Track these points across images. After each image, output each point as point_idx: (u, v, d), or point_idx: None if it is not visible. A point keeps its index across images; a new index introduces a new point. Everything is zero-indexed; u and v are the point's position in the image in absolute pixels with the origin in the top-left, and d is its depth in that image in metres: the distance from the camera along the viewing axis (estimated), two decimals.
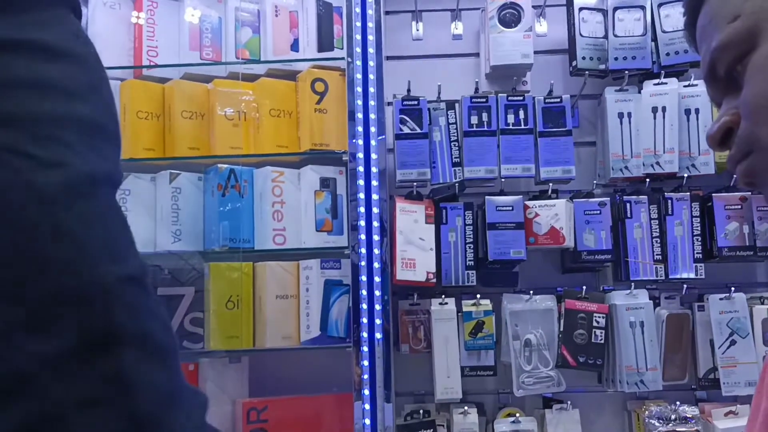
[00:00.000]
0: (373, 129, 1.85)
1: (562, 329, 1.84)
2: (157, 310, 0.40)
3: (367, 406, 1.78)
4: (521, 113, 1.90)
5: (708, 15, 0.61)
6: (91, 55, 0.41)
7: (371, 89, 1.86)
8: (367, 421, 1.78)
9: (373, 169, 1.84)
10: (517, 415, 1.85)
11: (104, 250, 0.38)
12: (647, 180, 1.88)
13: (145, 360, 0.38)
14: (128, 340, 0.38)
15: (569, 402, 1.86)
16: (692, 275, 1.85)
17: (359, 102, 1.86)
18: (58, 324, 0.36)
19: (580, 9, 1.91)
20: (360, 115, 1.86)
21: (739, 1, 0.58)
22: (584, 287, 1.86)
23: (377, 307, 1.81)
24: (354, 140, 1.84)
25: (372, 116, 1.85)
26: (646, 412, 1.84)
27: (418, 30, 2.10)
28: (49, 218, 0.37)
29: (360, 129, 1.86)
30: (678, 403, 1.82)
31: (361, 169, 1.84)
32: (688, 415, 1.80)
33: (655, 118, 1.88)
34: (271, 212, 1.89)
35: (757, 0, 0.57)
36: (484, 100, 1.90)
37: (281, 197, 1.90)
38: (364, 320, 1.81)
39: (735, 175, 0.62)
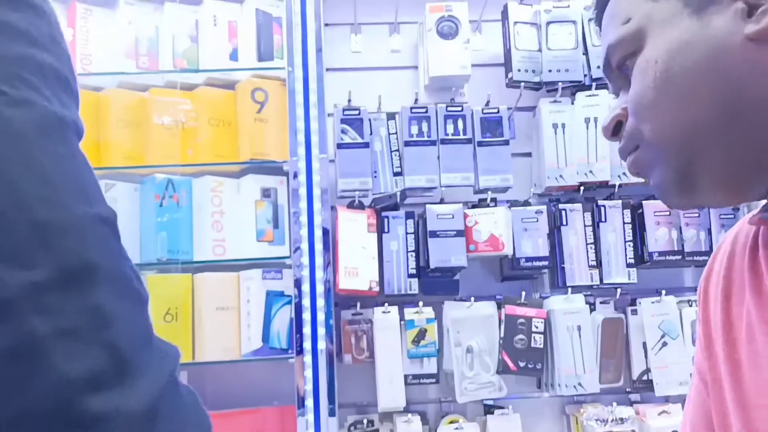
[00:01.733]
0: (314, 138, 1.85)
1: (502, 335, 1.87)
2: (129, 259, 0.40)
3: (311, 418, 1.77)
4: (460, 123, 1.93)
5: (609, 13, 0.66)
6: (50, 10, 0.41)
7: (312, 98, 1.86)
8: None
9: (315, 178, 1.84)
10: (460, 421, 1.86)
11: (77, 190, 0.38)
12: (581, 188, 1.93)
13: (122, 298, 0.38)
14: (105, 277, 0.37)
15: (510, 407, 1.89)
16: (625, 280, 1.91)
17: (300, 111, 1.86)
18: (35, 256, 0.35)
19: (515, 23, 1.97)
20: (301, 124, 1.86)
21: (633, 5, 0.62)
22: (523, 293, 1.90)
23: (320, 317, 1.80)
24: (295, 151, 1.84)
25: (313, 126, 1.85)
26: (584, 414, 1.88)
27: (357, 43, 2.11)
28: (22, 153, 0.36)
29: (301, 138, 1.85)
30: (614, 404, 1.87)
31: (302, 178, 1.84)
32: (623, 416, 1.85)
33: (587, 128, 1.94)
34: (211, 222, 1.86)
35: (646, 5, 0.61)
36: (423, 110, 1.93)
37: (221, 207, 1.88)
38: (307, 331, 1.80)
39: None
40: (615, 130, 0.65)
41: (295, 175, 1.86)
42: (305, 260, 1.82)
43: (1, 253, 0.35)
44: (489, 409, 1.94)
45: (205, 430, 0.42)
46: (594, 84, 1.96)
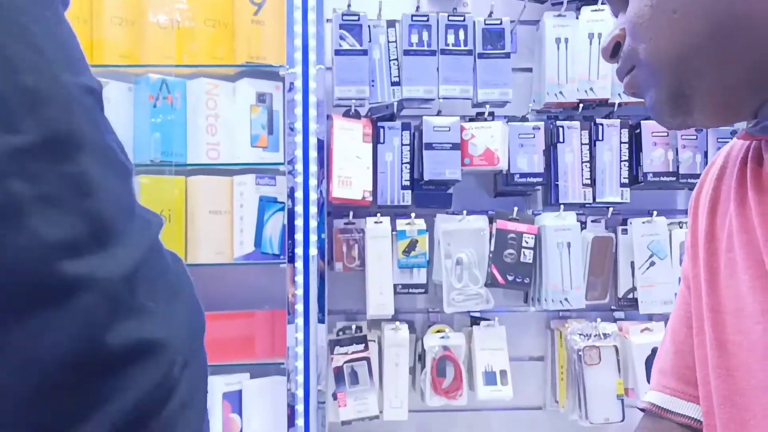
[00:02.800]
0: (312, 43, 1.82)
1: (492, 249, 1.88)
2: (113, 132, 0.40)
3: (300, 322, 1.80)
4: (461, 34, 1.89)
5: None
6: None
7: (311, 1, 1.81)
8: (299, 336, 1.80)
9: (312, 85, 1.81)
10: (446, 330, 1.90)
11: (63, 58, 0.37)
12: (580, 105, 1.91)
13: (106, 169, 0.38)
14: (90, 147, 0.37)
15: (496, 319, 1.92)
16: (618, 199, 1.91)
17: (298, 15, 1.81)
18: (19, 121, 0.35)
19: None
20: (299, 28, 1.81)
21: None
22: (515, 209, 1.90)
23: (313, 224, 1.81)
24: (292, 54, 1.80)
25: (311, 30, 1.81)
26: (569, 329, 1.92)
27: None
28: (10, 17, 0.36)
29: (298, 43, 1.81)
30: (598, 320, 1.91)
31: (299, 84, 1.81)
32: (607, 332, 1.90)
33: (591, 44, 1.90)
34: (205, 126, 1.84)
35: None
36: (425, 19, 1.88)
37: (215, 110, 1.85)
38: (299, 237, 1.81)
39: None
40: (614, 51, 0.65)
41: (291, 83, 1.83)
42: (299, 167, 1.82)
43: None
44: (475, 321, 1.98)
45: (188, 295, 0.42)
46: None
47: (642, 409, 0.75)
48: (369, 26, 1.89)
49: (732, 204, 0.66)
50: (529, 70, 2.03)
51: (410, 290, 1.91)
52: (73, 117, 0.37)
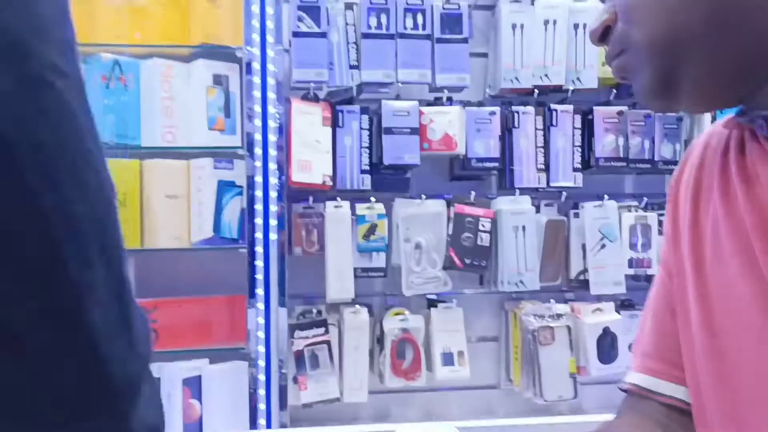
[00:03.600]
0: (270, 24, 1.79)
1: (450, 233, 1.91)
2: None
3: (261, 306, 1.79)
4: (419, 18, 1.90)
5: None
6: None
7: None
8: (261, 321, 1.79)
9: (270, 67, 1.79)
10: (406, 313, 1.93)
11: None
12: (535, 91, 1.95)
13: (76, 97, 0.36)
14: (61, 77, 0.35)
15: (455, 301, 1.96)
16: (571, 184, 1.97)
17: None
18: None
19: None
20: (256, 9, 1.79)
21: None
22: (473, 193, 1.93)
23: (273, 208, 1.80)
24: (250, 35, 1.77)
25: (269, 10, 1.78)
26: (523, 310, 1.97)
27: None
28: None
29: (256, 23, 1.79)
30: (552, 301, 1.96)
31: (257, 66, 1.78)
32: (560, 313, 1.95)
33: (546, 30, 1.94)
34: (160, 108, 1.80)
35: None
36: (383, 2, 1.88)
37: (170, 92, 1.81)
38: (259, 222, 1.80)
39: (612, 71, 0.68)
40: (603, 35, 0.66)
41: (248, 64, 1.81)
42: (258, 151, 1.80)
43: None
44: (432, 303, 2.00)
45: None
46: None
47: (624, 390, 0.78)
48: (327, 8, 1.88)
49: (716, 192, 0.68)
50: (485, 55, 2.06)
51: (370, 274, 1.92)
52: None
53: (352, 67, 1.90)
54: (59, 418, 0.34)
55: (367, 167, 1.90)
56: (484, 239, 1.92)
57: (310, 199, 1.90)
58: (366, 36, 1.88)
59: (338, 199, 1.89)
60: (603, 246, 1.97)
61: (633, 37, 0.61)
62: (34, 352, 0.33)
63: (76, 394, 0.34)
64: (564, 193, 1.98)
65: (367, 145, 1.90)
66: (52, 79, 0.34)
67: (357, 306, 1.91)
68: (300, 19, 1.85)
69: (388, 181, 1.94)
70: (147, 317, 0.40)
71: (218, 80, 1.84)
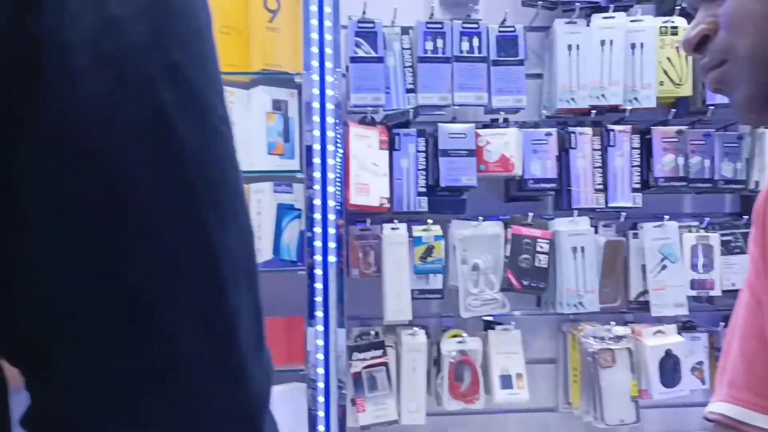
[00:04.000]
0: (328, 51, 1.82)
1: (507, 254, 1.90)
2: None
3: (321, 328, 1.81)
4: (475, 41, 1.91)
5: None
6: None
7: (327, 8, 1.82)
8: (320, 342, 1.81)
9: (329, 92, 1.82)
10: (464, 335, 1.92)
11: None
12: (592, 112, 1.94)
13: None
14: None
15: (513, 323, 1.95)
16: (630, 204, 1.94)
17: (314, 22, 1.82)
18: None
19: None
20: (315, 36, 1.82)
21: None
22: (530, 214, 1.93)
23: (331, 231, 1.81)
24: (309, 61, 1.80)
25: (328, 37, 1.82)
26: (582, 332, 1.95)
27: None
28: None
29: (315, 50, 1.82)
30: (612, 323, 1.94)
31: (316, 92, 1.81)
32: (620, 335, 1.93)
33: (602, 51, 1.93)
34: None
35: None
36: (439, 26, 1.90)
37: (231, 118, 1.85)
38: (318, 244, 1.82)
39: (706, 81, 0.67)
40: (699, 44, 0.65)
41: (308, 90, 1.84)
42: (317, 175, 1.82)
43: None
44: (489, 325, 2.00)
45: None
46: (611, 6, 1.93)
47: (711, 420, 0.77)
48: (384, 33, 1.90)
49: None
50: (539, 76, 2.06)
51: (426, 296, 1.92)
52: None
53: (408, 90, 1.92)
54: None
55: (424, 189, 1.91)
56: (542, 260, 1.91)
57: (368, 221, 1.92)
58: (422, 60, 1.89)
59: (395, 221, 1.90)
60: (664, 267, 1.94)
61: (737, 49, 0.60)
62: (194, 376, 0.35)
63: (224, 410, 0.36)
64: (623, 214, 1.96)
65: (423, 167, 1.91)
66: (222, 127, 0.37)
67: (414, 328, 1.91)
68: (357, 45, 1.87)
69: (445, 202, 1.94)
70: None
71: (278, 106, 1.88)
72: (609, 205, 1.95)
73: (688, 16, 2.02)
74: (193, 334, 0.35)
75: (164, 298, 0.34)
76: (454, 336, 1.94)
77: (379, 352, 1.88)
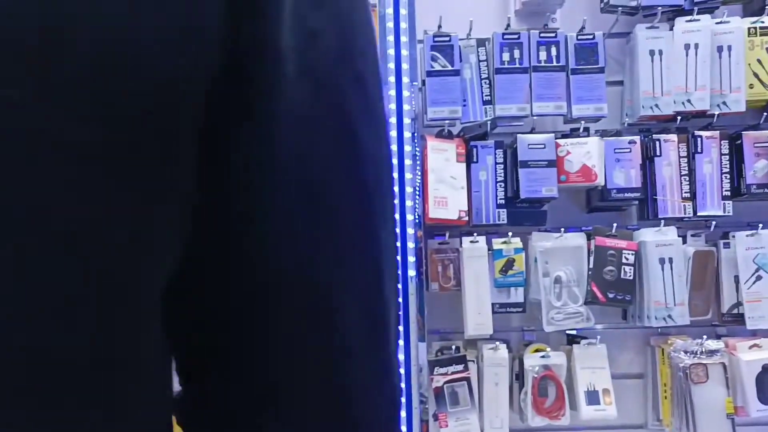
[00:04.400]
0: (405, 65, 1.83)
1: (591, 266, 1.86)
2: None
3: (401, 343, 1.80)
4: (553, 50, 1.88)
5: None
6: None
7: (403, 24, 1.83)
8: (401, 357, 1.80)
9: (406, 107, 1.83)
10: (547, 350, 1.88)
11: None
12: (678, 118, 1.88)
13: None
14: None
15: (598, 337, 1.89)
16: (720, 212, 1.87)
17: (390, 38, 1.83)
18: None
19: None
20: (391, 51, 1.83)
21: None
22: (614, 225, 1.87)
23: (410, 245, 1.81)
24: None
25: (404, 52, 1.83)
26: (672, 346, 1.88)
27: None
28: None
29: (391, 66, 1.83)
30: (704, 337, 1.86)
31: (393, 107, 1.83)
32: (713, 348, 1.85)
33: (687, 55, 1.87)
34: None
35: None
36: (516, 36, 1.88)
37: None
38: (398, 258, 1.82)
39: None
40: None
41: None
42: (395, 189, 1.82)
43: None
44: (572, 339, 1.95)
45: None
46: (695, 9, 1.87)
47: None
48: (459, 46, 1.90)
49: None
50: (620, 83, 2.01)
51: (508, 309, 1.90)
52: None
53: (485, 102, 1.91)
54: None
55: (503, 201, 1.89)
56: (628, 272, 1.85)
57: (446, 234, 1.91)
58: (499, 71, 1.88)
59: (474, 234, 1.88)
60: (759, 278, 1.85)
61: None
62: (357, 365, 0.37)
63: (377, 400, 0.38)
64: (713, 223, 1.88)
65: (501, 179, 1.89)
66: (387, 133, 0.39)
67: (496, 342, 1.89)
68: (433, 59, 1.88)
69: (525, 214, 1.91)
70: None
71: None
72: (698, 214, 1.87)
73: None
74: (358, 325, 0.36)
75: (338, 290, 0.35)
76: (537, 350, 1.91)
77: (460, 367, 1.86)
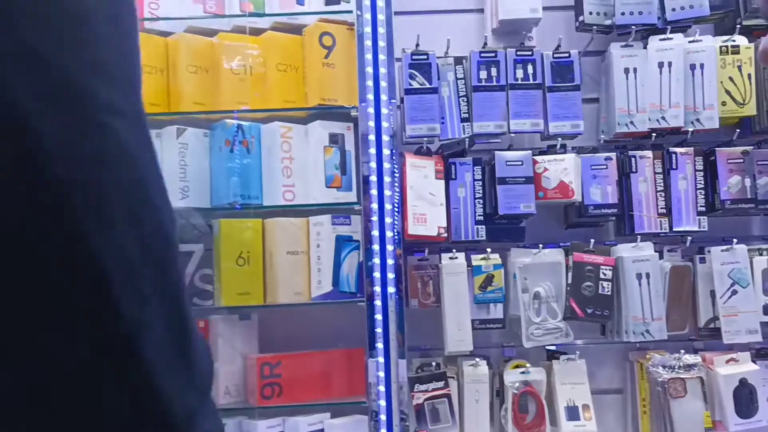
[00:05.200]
0: (383, 83, 1.84)
1: (570, 282, 1.87)
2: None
3: (381, 360, 1.80)
4: (530, 68, 1.90)
5: None
6: None
7: (381, 43, 1.84)
8: (381, 374, 1.80)
9: (384, 124, 1.84)
10: (527, 366, 1.89)
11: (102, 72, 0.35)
12: (653, 135, 1.90)
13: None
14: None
15: (578, 352, 1.90)
16: (695, 228, 1.89)
17: (369, 56, 1.84)
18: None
19: None
20: (370, 70, 1.84)
21: None
22: (592, 241, 1.89)
23: (390, 261, 1.82)
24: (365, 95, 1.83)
25: (382, 70, 1.84)
26: (650, 361, 1.89)
27: None
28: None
29: (370, 83, 1.84)
30: (682, 351, 1.87)
31: (372, 124, 1.83)
32: (690, 363, 1.86)
33: (660, 73, 1.90)
34: (281, 168, 1.87)
35: None
36: (492, 55, 1.90)
37: (290, 153, 1.89)
38: (377, 275, 1.82)
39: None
40: None
41: (365, 123, 1.86)
42: (375, 206, 1.83)
43: None
44: (552, 355, 1.95)
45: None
46: (668, 28, 1.90)
47: None
48: (437, 64, 1.91)
49: None
50: (596, 100, 2.03)
51: (488, 325, 1.90)
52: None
53: (463, 119, 1.92)
54: None
55: (482, 218, 1.90)
56: (606, 288, 1.86)
57: (426, 251, 1.92)
58: (477, 89, 1.90)
59: (453, 250, 1.89)
60: (734, 292, 1.87)
61: None
62: (88, 388, 0.33)
63: (132, 425, 0.34)
64: (689, 238, 1.91)
65: (480, 195, 1.90)
66: (107, 119, 0.33)
67: (476, 358, 1.89)
68: (411, 77, 1.89)
69: (503, 231, 1.93)
70: (209, 351, 0.40)
71: (334, 139, 1.90)
72: (674, 229, 1.90)
73: (749, 34, 1.98)
74: (82, 345, 0.32)
75: (36, 315, 0.31)
76: (517, 366, 1.91)
77: (441, 384, 1.86)
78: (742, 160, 1.90)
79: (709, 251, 1.90)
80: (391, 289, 1.82)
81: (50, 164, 0.30)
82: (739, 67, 1.88)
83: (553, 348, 1.95)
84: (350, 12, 1.88)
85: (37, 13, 0.30)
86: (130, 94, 0.35)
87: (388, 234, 1.83)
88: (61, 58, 0.31)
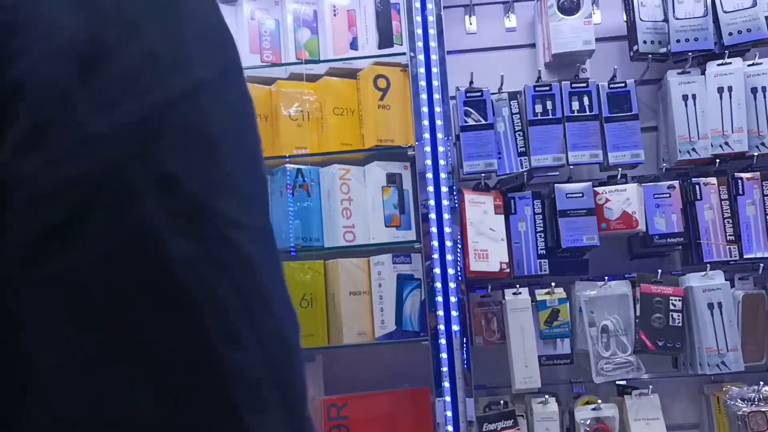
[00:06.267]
0: (439, 122, 1.86)
1: (638, 314, 1.83)
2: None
3: (449, 399, 1.78)
4: (585, 100, 1.90)
5: None
6: None
7: (435, 82, 1.86)
8: (449, 414, 1.78)
9: (441, 162, 1.85)
10: (598, 402, 1.84)
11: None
12: (717, 161, 1.87)
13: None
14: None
15: (650, 386, 1.85)
16: (767, 254, 1.83)
17: (423, 96, 1.86)
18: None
19: None
20: (425, 109, 1.86)
21: None
22: (659, 271, 1.85)
23: (453, 299, 1.81)
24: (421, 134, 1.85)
25: (437, 109, 1.86)
26: (727, 394, 1.82)
27: (471, 24, 2.10)
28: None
29: (426, 123, 1.86)
30: (761, 383, 1.80)
31: (429, 162, 1.85)
32: None
33: (721, 98, 1.87)
34: (340, 210, 1.89)
35: None
36: (547, 88, 1.90)
37: (348, 194, 1.91)
38: (441, 313, 1.81)
39: None
40: None
41: (423, 162, 1.87)
42: (435, 244, 1.83)
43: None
44: (623, 390, 1.90)
45: None
46: (726, 52, 1.88)
47: None
48: (492, 100, 1.92)
49: None
50: (654, 129, 2.01)
51: (555, 361, 1.86)
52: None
53: (520, 154, 1.92)
54: None
55: (544, 251, 1.88)
56: (676, 319, 1.82)
57: (488, 287, 1.90)
58: (532, 123, 1.90)
59: (517, 285, 1.87)
60: None
61: None
62: None
63: None
64: (761, 265, 1.85)
65: (541, 229, 1.89)
66: (230, 233, 0.35)
67: (545, 396, 1.85)
68: (467, 114, 1.90)
69: (567, 264, 1.90)
70: None
71: (392, 179, 1.92)
72: (744, 256, 1.84)
73: None
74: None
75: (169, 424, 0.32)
76: (588, 403, 1.86)
77: (510, 422, 1.82)
78: None
79: None
80: (455, 327, 1.80)
81: (177, 281, 0.33)
82: None
83: (623, 383, 1.90)
84: (403, 54, 1.92)
85: (178, 142, 0.33)
86: (252, 209, 0.37)
87: (450, 271, 1.83)
88: (192, 182, 0.34)
